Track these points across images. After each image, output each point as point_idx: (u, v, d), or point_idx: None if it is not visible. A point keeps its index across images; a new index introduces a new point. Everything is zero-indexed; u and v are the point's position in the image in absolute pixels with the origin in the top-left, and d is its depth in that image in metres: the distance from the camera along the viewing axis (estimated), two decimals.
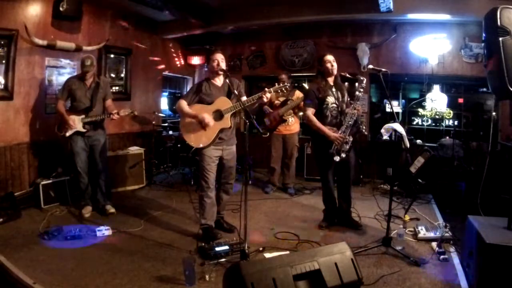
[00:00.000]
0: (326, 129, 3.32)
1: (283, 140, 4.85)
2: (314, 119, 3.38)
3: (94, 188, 3.93)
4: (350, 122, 3.31)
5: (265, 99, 3.03)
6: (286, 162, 4.92)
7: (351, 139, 3.32)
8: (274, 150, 4.89)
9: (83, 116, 3.74)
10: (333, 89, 3.46)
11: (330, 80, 3.47)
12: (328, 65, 3.41)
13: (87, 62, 3.71)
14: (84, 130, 3.75)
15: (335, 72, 3.44)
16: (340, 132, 3.30)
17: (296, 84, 5.94)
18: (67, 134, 3.72)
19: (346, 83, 3.74)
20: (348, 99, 3.51)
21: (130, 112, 3.93)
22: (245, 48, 6.59)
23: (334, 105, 3.41)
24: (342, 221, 3.61)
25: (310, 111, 3.40)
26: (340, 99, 3.46)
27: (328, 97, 3.40)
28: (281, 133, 4.83)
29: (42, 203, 3.98)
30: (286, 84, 3.11)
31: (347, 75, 3.45)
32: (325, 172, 3.49)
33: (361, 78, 3.34)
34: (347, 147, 3.30)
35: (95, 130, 3.83)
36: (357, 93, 3.30)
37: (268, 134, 4.85)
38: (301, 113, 5.04)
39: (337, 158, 3.27)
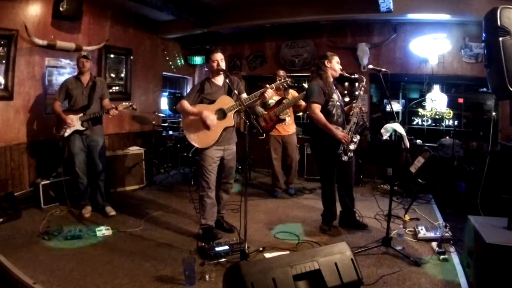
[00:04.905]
0: (333, 128, 3.20)
1: (283, 142, 4.69)
2: (322, 116, 3.22)
3: (93, 189, 3.92)
4: (355, 121, 3.30)
5: (267, 95, 3.06)
6: (288, 165, 4.76)
7: (358, 137, 3.32)
8: (274, 153, 4.68)
9: (81, 114, 3.73)
10: (334, 88, 3.44)
11: (331, 80, 3.43)
12: (338, 65, 3.38)
13: (83, 52, 3.82)
14: (83, 128, 3.74)
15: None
16: (346, 131, 3.27)
17: (296, 84, 5.89)
18: (66, 134, 3.71)
19: (346, 83, 3.76)
20: (348, 99, 3.52)
21: (129, 105, 3.87)
22: (245, 48, 6.58)
23: (338, 103, 3.37)
24: (346, 222, 3.58)
25: (317, 107, 3.25)
26: (341, 98, 3.45)
27: (334, 94, 3.35)
28: (280, 134, 4.66)
29: (42, 203, 3.98)
30: (287, 80, 3.12)
31: (345, 74, 3.44)
32: (330, 172, 3.39)
33: (361, 76, 3.35)
34: (355, 146, 3.29)
35: (93, 130, 3.81)
36: (359, 91, 3.32)
37: (264, 135, 4.58)
38: (299, 113, 4.96)
39: (345, 158, 3.24)
